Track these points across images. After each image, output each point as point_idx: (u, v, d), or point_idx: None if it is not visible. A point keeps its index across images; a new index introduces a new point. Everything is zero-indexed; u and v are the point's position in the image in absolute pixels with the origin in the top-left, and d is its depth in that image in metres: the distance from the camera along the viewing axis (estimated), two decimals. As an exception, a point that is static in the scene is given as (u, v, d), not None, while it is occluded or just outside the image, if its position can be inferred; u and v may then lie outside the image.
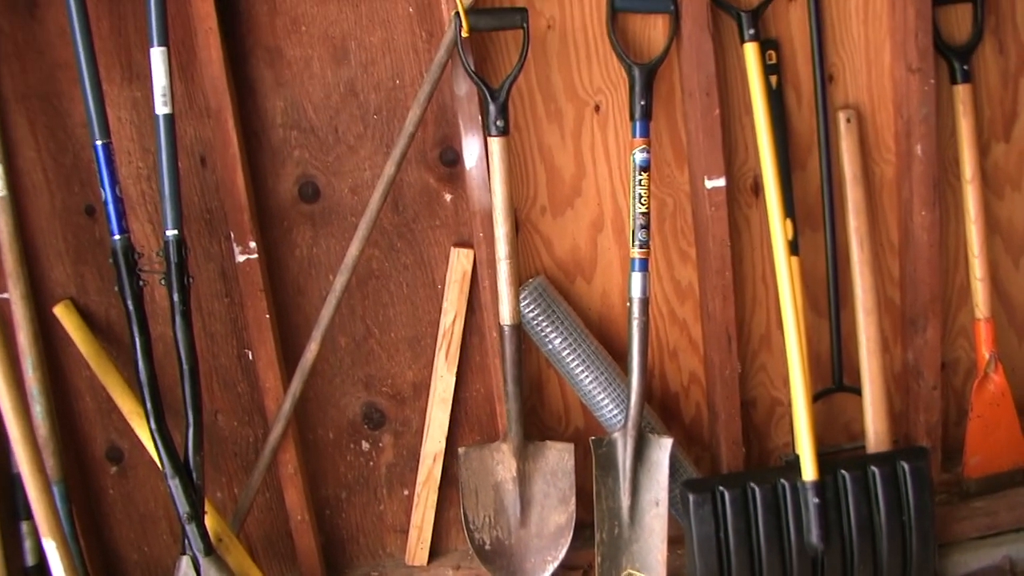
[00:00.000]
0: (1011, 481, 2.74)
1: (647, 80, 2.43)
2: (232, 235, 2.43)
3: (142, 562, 2.74)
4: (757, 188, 2.61)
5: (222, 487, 2.69)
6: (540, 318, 2.54)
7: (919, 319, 2.65)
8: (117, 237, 2.23)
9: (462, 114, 2.43)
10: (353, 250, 2.43)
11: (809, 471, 2.46)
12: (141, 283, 2.26)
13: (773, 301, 2.67)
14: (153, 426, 2.26)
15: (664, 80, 2.52)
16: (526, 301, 2.52)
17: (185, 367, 2.29)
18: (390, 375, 2.67)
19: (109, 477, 2.67)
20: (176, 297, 2.27)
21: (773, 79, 2.54)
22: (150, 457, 2.45)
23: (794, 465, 2.51)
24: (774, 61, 2.54)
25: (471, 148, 2.44)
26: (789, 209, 2.55)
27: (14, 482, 2.41)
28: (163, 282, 2.28)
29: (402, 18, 2.45)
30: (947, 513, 2.68)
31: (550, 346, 2.56)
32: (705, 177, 2.48)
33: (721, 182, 2.48)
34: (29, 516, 2.37)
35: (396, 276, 2.61)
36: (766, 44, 2.51)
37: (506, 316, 2.44)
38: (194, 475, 2.30)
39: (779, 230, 2.44)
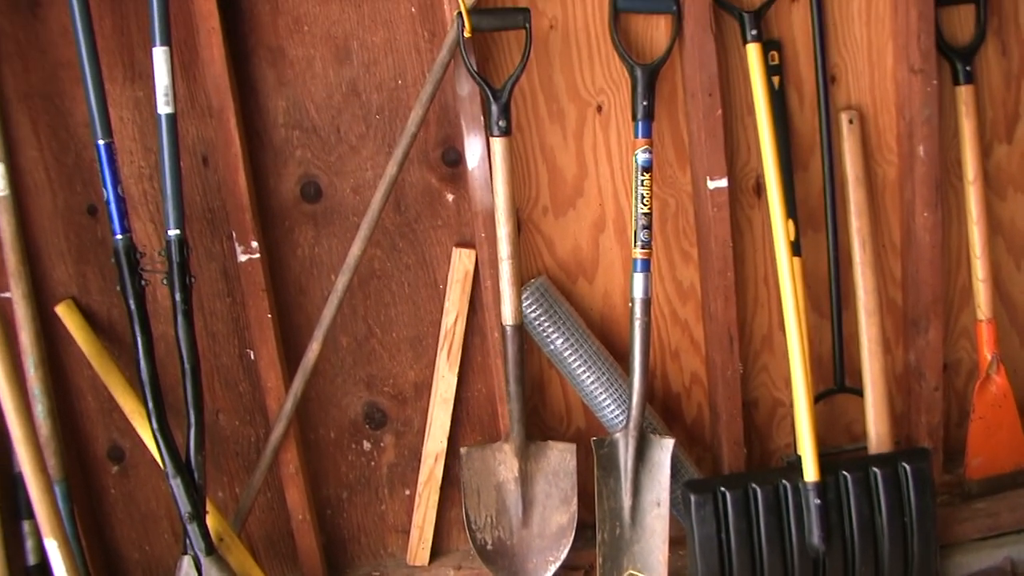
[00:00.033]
0: (1013, 482, 2.74)
1: (649, 80, 2.43)
2: (234, 235, 2.43)
3: (143, 561, 2.74)
4: (759, 189, 2.61)
5: (223, 487, 2.69)
6: (542, 318, 2.54)
7: (921, 320, 2.65)
8: (119, 236, 2.23)
9: (464, 114, 2.43)
10: (355, 250, 2.43)
11: (811, 472, 2.46)
12: (143, 283, 2.26)
13: (775, 302, 2.67)
14: (155, 425, 2.27)
15: (666, 80, 2.52)
16: (528, 301, 2.52)
17: (187, 366, 2.29)
18: (392, 375, 2.67)
19: (111, 476, 2.67)
20: (178, 296, 2.27)
21: (775, 80, 2.54)
22: (152, 456, 2.46)
23: (796, 466, 2.51)
24: (776, 62, 2.54)
25: (473, 148, 2.44)
26: (791, 210, 2.55)
27: (16, 481, 2.42)
28: (165, 282, 2.28)
29: (404, 18, 2.45)
30: (949, 514, 2.68)
31: (552, 346, 2.56)
32: (707, 178, 2.48)
33: (723, 183, 2.48)
34: (31, 515, 2.37)
35: (398, 276, 2.61)
36: (768, 45, 2.51)
37: (508, 316, 2.44)
38: (195, 474, 2.30)
39: (781, 231, 2.44)
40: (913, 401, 2.75)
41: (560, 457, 2.58)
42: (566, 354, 2.56)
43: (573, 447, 2.58)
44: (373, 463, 2.73)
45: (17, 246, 2.36)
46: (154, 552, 2.73)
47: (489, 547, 2.57)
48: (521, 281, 2.48)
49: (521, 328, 2.46)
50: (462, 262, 2.57)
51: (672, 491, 2.55)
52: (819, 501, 2.45)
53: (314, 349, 2.48)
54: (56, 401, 2.47)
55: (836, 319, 2.67)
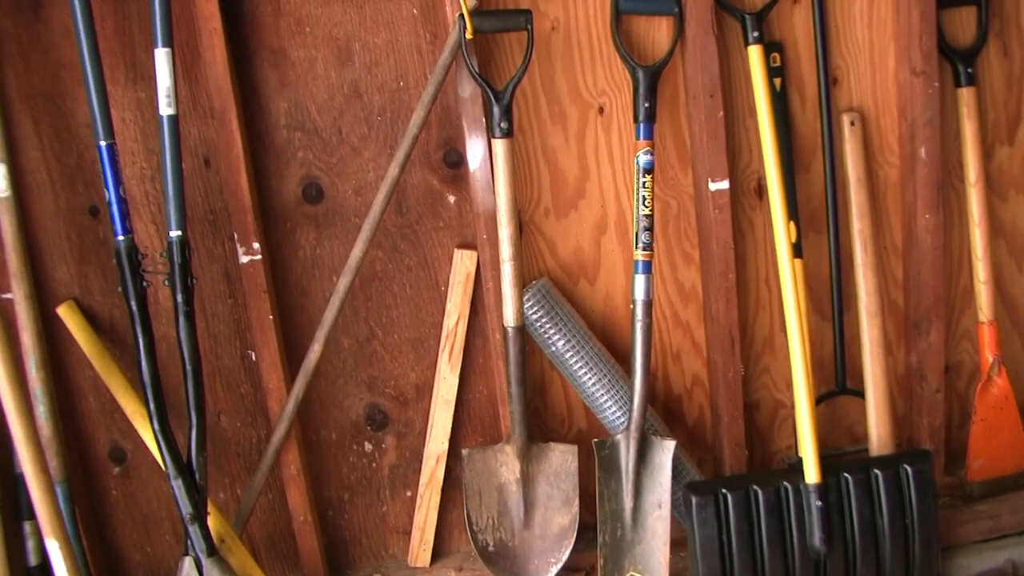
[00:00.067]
0: (1014, 484, 2.74)
1: (651, 82, 2.43)
2: (236, 236, 2.43)
3: (145, 563, 2.74)
4: (761, 190, 2.61)
5: (225, 488, 2.69)
6: (543, 320, 2.54)
7: (922, 322, 2.65)
8: (121, 238, 2.23)
9: (466, 116, 2.43)
10: (357, 251, 2.43)
11: (812, 474, 2.46)
12: (145, 284, 2.26)
13: (776, 303, 2.67)
14: (156, 427, 2.26)
15: (668, 82, 2.52)
16: (529, 303, 2.52)
17: (188, 368, 2.29)
18: (393, 376, 2.67)
19: (112, 478, 2.67)
20: (180, 298, 2.27)
21: (777, 81, 2.54)
22: (153, 458, 2.46)
23: (797, 468, 2.51)
24: (778, 63, 2.54)
25: (475, 150, 2.44)
26: (793, 211, 2.55)
27: (17, 482, 2.42)
28: (167, 283, 2.28)
29: (406, 20, 2.45)
30: (950, 516, 2.68)
31: (553, 348, 2.56)
32: (709, 179, 2.48)
33: (725, 184, 2.48)
34: (32, 516, 2.38)
35: (399, 278, 2.61)
36: (770, 46, 2.51)
37: (510, 318, 2.44)
38: (197, 476, 2.30)
39: (783, 232, 2.44)
40: (915, 403, 2.75)
41: (562, 459, 2.58)
42: (567, 356, 2.56)
43: (575, 449, 2.58)
44: (374, 464, 2.73)
45: (19, 247, 2.36)
46: (155, 553, 2.73)
47: (491, 548, 2.57)
48: (523, 283, 2.48)
49: (523, 330, 2.46)
50: (464, 264, 2.57)
51: (673, 493, 2.55)
52: (820, 503, 2.45)
53: (316, 351, 2.48)
54: (58, 402, 2.47)
55: (838, 321, 2.67)
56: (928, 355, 2.67)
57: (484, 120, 2.41)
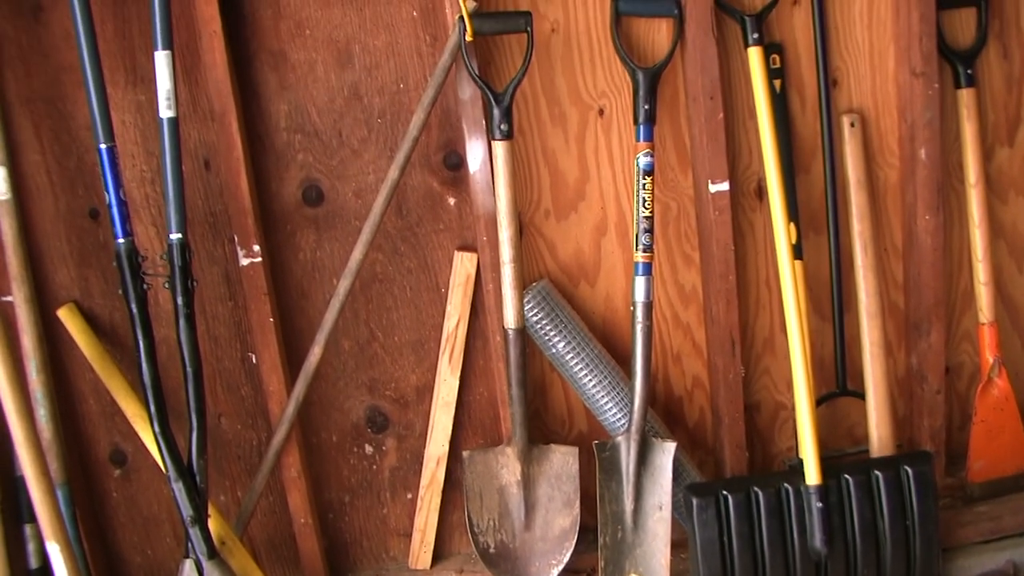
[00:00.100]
0: (1015, 486, 2.74)
1: (651, 84, 2.44)
2: (236, 238, 2.43)
3: (145, 565, 2.74)
4: (761, 192, 2.61)
5: (225, 490, 2.69)
6: (544, 322, 2.54)
7: (923, 323, 2.65)
8: (121, 240, 2.23)
9: (466, 118, 2.43)
10: (357, 254, 2.43)
11: (813, 475, 2.46)
12: (145, 286, 2.26)
13: (777, 305, 2.67)
14: (157, 429, 2.26)
15: (668, 84, 2.52)
16: (530, 305, 2.52)
17: (189, 370, 2.29)
18: (394, 379, 2.67)
19: (113, 480, 2.67)
20: (180, 300, 2.27)
21: (777, 83, 2.54)
22: (154, 460, 2.46)
23: (798, 469, 2.51)
24: (778, 65, 2.54)
25: (475, 152, 2.44)
26: (793, 213, 2.55)
27: (18, 485, 2.42)
28: (167, 285, 2.28)
29: (406, 22, 2.45)
30: (951, 518, 2.67)
31: (554, 350, 2.56)
32: (709, 181, 2.48)
33: (725, 186, 2.48)
34: (33, 519, 2.38)
35: (400, 280, 2.61)
36: (770, 48, 2.51)
37: (510, 320, 2.44)
38: (197, 478, 2.30)
39: (783, 234, 2.44)
40: (915, 404, 2.74)
41: (562, 460, 2.58)
42: (568, 357, 2.56)
43: (575, 450, 2.58)
44: (375, 467, 2.73)
45: (19, 250, 2.36)
46: (156, 556, 2.73)
47: (491, 550, 2.57)
48: (523, 284, 2.48)
49: (523, 332, 2.46)
50: (464, 266, 2.57)
51: (674, 494, 2.54)
52: (821, 504, 2.45)
53: (316, 353, 2.48)
54: (58, 405, 2.47)
55: (838, 322, 2.67)
56: (928, 356, 2.67)
57: (484, 122, 2.41)
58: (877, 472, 2.51)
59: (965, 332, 2.80)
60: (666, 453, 2.52)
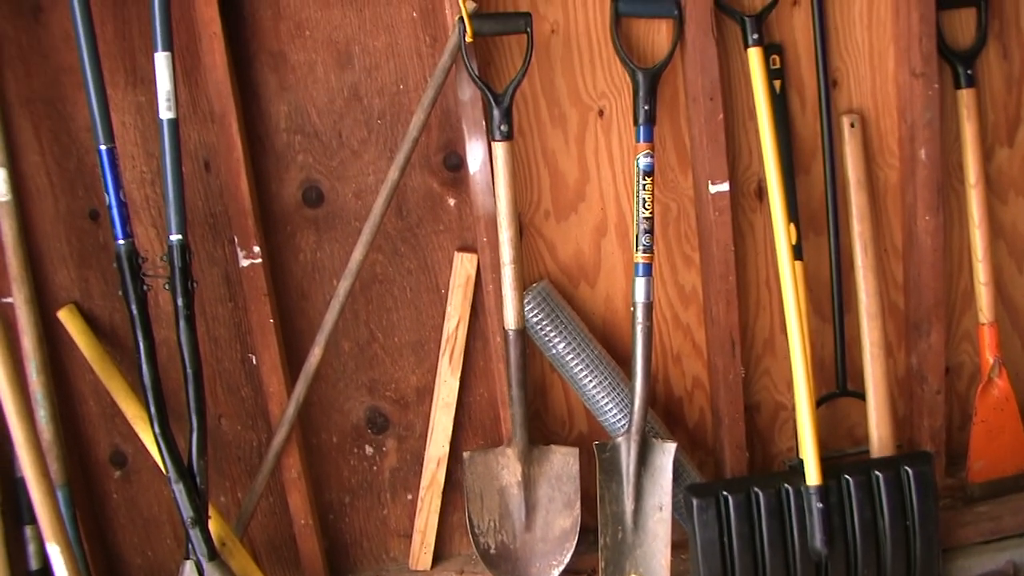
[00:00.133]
0: (1015, 486, 2.74)
1: (651, 85, 2.44)
2: (236, 239, 2.43)
3: (146, 566, 2.73)
4: (761, 193, 2.61)
5: (226, 491, 2.69)
6: (544, 323, 2.54)
7: (923, 324, 2.65)
8: (121, 241, 2.23)
9: (466, 119, 2.43)
10: (357, 255, 2.43)
11: (813, 476, 2.46)
12: (145, 287, 2.26)
13: (777, 305, 2.67)
14: (157, 430, 2.26)
15: (668, 85, 2.52)
16: (530, 306, 2.52)
17: (189, 371, 2.29)
18: (394, 379, 2.67)
19: (113, 481, 2.67)
20: (180, 301, 2.27)
21: (777, 84, 2.54)
22: (154, 461, 2.46)
23: (798, 470, 2.51)
24: (778, 66, 2.54)
25: (475, 153, 2.44)
26: (793, 213, 2.55)
27: (18, 486, 2.42)
28: (167, 287, 2.28)
29: (406, 23, 2.45)
30: (951, 518, 2.67)
31: (554, 351, 2.56)
32: (709, 182, 2.48)
33: (725, 187, 2.48)
34: (33, 520, 2.38)
35: (400, 281, 2.61)
36: (770, 49, 2.51)
37: (510, 321, 2.44)
38: (198, 479, 2.30)
39: (783, 234, 2.44)
40: (915, 405, 2.74)
41: (563, 461, 2.58)
42: (568, 358, 2.56)
43: (576, 451, 2.58)
44: (375, 468, 2.73)
45: (19, 251, 2.36)
46: (156, 557, 2.73)
47: (492, 551, 2.57)
48: (523, 285, 2.48)
49: (523, 332, 2.46)
50: (464, 266, 2.57)
51: (674, 495, 2.54)
52: (821, 505, 2.45)
53: (316, 354, 2.48)
54: (58, 406, 2.47)
55: (838, 323, 2.67)
56: (929, 357, 2.67)
57: (484, 123, 2.41)
58: (877, 472, 2.51)
59: (965, 332, 2.80)
60: (666, 454, 2.52)
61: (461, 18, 2.31)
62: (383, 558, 2.80)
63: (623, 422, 2.57)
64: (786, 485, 2.49)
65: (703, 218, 2.56)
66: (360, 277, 2.48)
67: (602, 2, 2.46)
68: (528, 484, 2.57)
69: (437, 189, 2.56)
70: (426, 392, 2.67)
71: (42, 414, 2.41)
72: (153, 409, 2.26)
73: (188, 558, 2.32)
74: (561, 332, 2.54)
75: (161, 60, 2.21)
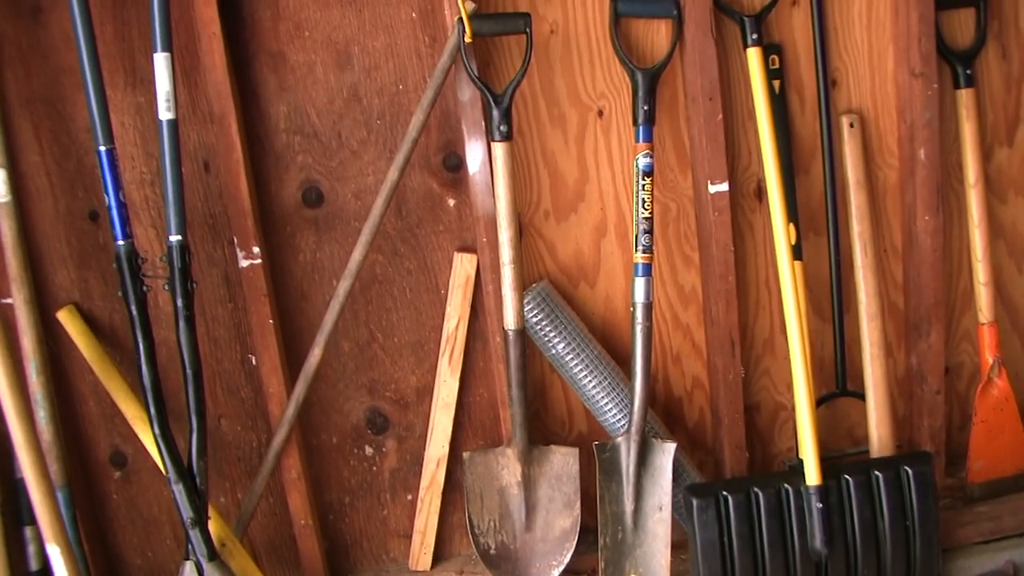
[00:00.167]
0: (1015, 486, 2.74)
1: (650, 85, 2.44)
2: (236, 240, 2.43)
3: (146, 567, 2.73)
4: (760, 193, 2.61)
5: (226, 492, 2.69)
6: (544, 323, 2.54)
7: (923, 324, 2.65)
8: (121, 242, 2.23)
9: (465, 119, 2.43)
10: (356, 255, 2.43)
11: (813, 476, 2.46)
12: (145, 288, 2.26)
13: (776, 306, 2.67)
14: (157, 431, 2.26)
15: (667, 85, 2.52)
16: (530, 306, 2.52)
17: (189, 372, 2.29)
18: (394, 380, 2.67)
19: (113, 482, 2.67)
20: (180, 302, 2.27)
21: (776, 84, 2.54)
22: (154, 462, 2.46)
23: (798, 470, 2.51)
24: (777, 66, 2.54)
25: (474, 153, 2.44)
26: (792, 214, 2.55)
27: (18, 487, 2.42)
28: (167, 287, 2.28)
29: (405, 23, 2.45)
30: (951, 518, 2.67)
31: (554, 351, 2.56)
32: (708, 182, 2.48)
33: (724, 187, 2.48)
34: (33, 521, 2.37)
35: (399, 281, 2.61)
36: (769, 49, 2.51)
37: (510, 321, 2.44)
38: (198, 480, 2.30)
39: (782, 235, 2.44)
40: (915, 405, 2.74)
41: (563, 461, 2.58)
42: (568, 358, 2.56)
43: (575, 451, 2.58)
44: (375, 468, 2.73)
45: (19, 251, 2.36)
46: (156, 558, 2.73)
47: (492, 551, 2.57)
48: (523, 286, 2.48)
49: (523, 333, 2.46)
50: (463, 267, 2.57)
51: (674, 495, 2.54)
52: (821, 505, 2.45)
53: (316, 354, 2.48)
54: (58, 407, 2.47)
55: (838, 323, 2.67)
56: (928, 357, 2.67)
57: (483, 123, 2.41)
58: (877, 472, 2.51)
59: (965, 332, 2.80)
60: (666, 454, 2.52)
61: (460, 19, 2.31)
62: (383, 559, 2.80)
63: (623, 422, 2.57)
64: (786, 485, 2.49)
65: (702, 218, 2.56)
66: (360, 277, 2.48)
67: (601, 2, 2.46)
68: (528, 484, 2.57)
69: (437, 189, 2.56)
70: (426, 392, 2.67)
71: (42, 415, 2.41)
72: (153, 410, 2.26)
73: (188, 559, 2.32)
74: (561, 332, 2.54)
75: (160, 61, 2.21)
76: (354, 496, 2.74)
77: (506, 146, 2.38)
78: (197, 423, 2.30)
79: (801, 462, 2.49)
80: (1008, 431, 2.70)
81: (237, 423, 2.65)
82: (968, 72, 2.57)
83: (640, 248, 2.45)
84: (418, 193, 2.55)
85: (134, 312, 2.24)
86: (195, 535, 2.29)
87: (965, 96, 2.58)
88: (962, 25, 2.61)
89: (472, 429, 2.71)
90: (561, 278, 2.63)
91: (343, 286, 2.44)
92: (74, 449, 2.59)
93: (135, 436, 2.49)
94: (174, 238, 2.26)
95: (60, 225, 2.49)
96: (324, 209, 2.54)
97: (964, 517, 2.69)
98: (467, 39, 2.32)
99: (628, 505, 2.54)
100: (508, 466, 2.56)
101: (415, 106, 2.42)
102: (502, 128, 2.37)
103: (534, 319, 2.53)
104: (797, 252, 2.57)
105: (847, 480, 2.49)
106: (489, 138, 2.40)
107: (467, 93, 2.40)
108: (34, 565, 2.49)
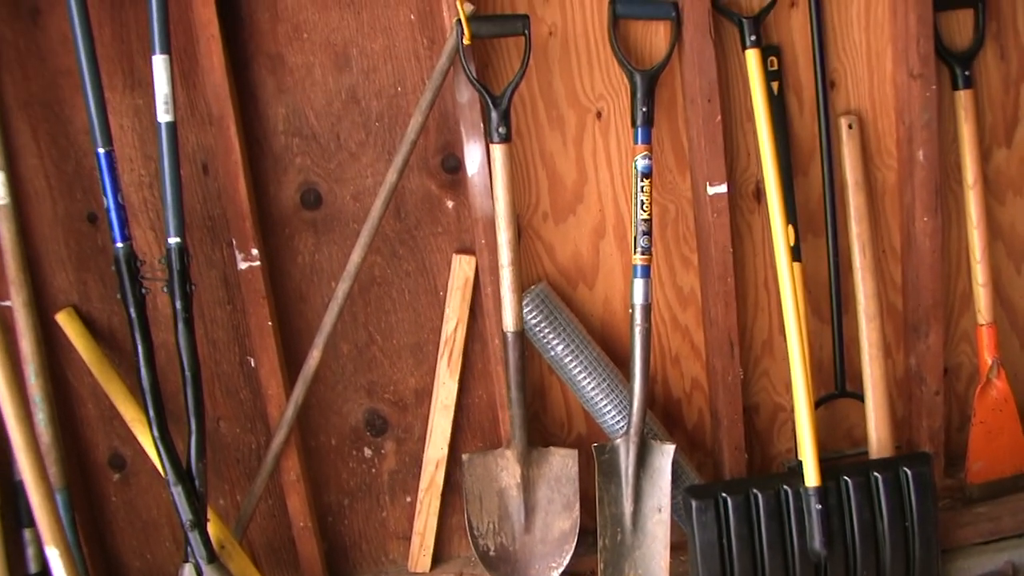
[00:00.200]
0: (1014, 486, 2.74)
1: (649, 86, 2.44)
2: (234, 242, 2.43)
3: (145, 569, 2.73)
4: (759, 194, 2.61)
5: (225, 494, 2.69)
6: (542, 325, 2.54)
7: (921, 325, 2.65)
8: (119, 244, 2.24)
9: (464, 121, 2.43)
10: (355, 257, 2.43)
11: (812, 477, 2.46)
12: (143, 290, 2.27)
13: (775, 307, 2.67)
14: (156, 433, 2.26)
15: (666, 86, 2.52)
16: (528, 308, 2.52)
17: (187, 374, 2.29)
18: (392, 382, 2.67)
19: (112, 484, 2.67)
20: (178, 304, 2.27)
21: (775, 85, 2.54)
22: (153, 464, 2.46)
23: (797, 471, 2.51)
24: (776, 67, 2.54)
25: (473, 155, 2.44)
26: (791, 215, 2.55)
27: (17, 489, 2.41)
28: (165, 289, 2.28)
29: (404, 25, 2.45)
30: (950, 519, 2.67)
31: (552, 353, 2.56)
32: (707, 183, 2.48)
33: (723, 188, 2.48)
34: (32, 524, 2.37)
35: (398, 283, 2.61)
36: (768, 50, 2.51)
37: (509, 323, 2.44)
38: (197, 482, 2.30)
39: (781, 236, 2.44)
40: (914, 406, 2.74)
41: (562, 463, 2.58)
42: (567, 360, 2.56)
43: (575, 453, 2.57)
44: (374, 470, 2.73)
45: (17, 254, 2.36)
46: (155, 560, 2.73)
47: (491, 553, 2.57)
48: (522, 287, 2.48)
49: (522, 334, 2.46)
50: (462, 269, 2.57)
51: (673, 497, 2.54)
52: (820, 506, 2.45)
53: (315, 356, 2.48)
54: (57, 409, 2.47)
55: (836, 324, 2.67)
56: (927, 358, 2.67)
57: (482, 125, 2.41)
58: (876, 474, 2.51)
59: (964, 333, 2.80)
60: (665, 455, 2.52)
61: (459, 20, 2.31)
62: (382, 560, 2.80)
63: (622, 424, 2.57)
64: (785, 486, 2.49)
65: (701, 220, 2.56)
66: (358, 279, 2.48)
67: (600, 4, 2.46)
68: (527, 486, 2.57)
69: (435, 191, 2.56)
70: (425, 394, 2.67)
71: (41, 417, 2.41)
72: (152, 412, 2.26)
73: (187, 561, 2.32)
74: (560, 334, 2.54)
75: (159, 63, 2.21)
76: (353, 498, 2.74)
77: (505, 148, 2.38)
78: (196, 425, 2.30)
79: (800, 463, 2.49)
80: (1007, 432, 2.70)
81: (236, 425, 2.65)
82: (967, 73, 2.57)
83: (639, 250, 2.45)
84: (417, 195, 2.55)
85: (133, 314, 2.24)
86: (194, 537, 2.29)
87: (964, 97, 2.58)
88: (960, 26, 2.61)
89: (471, 431, 2.71)
90: (560, 280, 2.63)
91: (342, 288, 2.44)
92: (73, 451, 2.59)
93: (134, 438, 2.49)
94: (173, 240, 2.26)
95: (59, 227, 2.49)
96: (323, 211, 2.54)
97: (963, 518, 2.69)
98: (465, 41, 2.32)
99: (627, 507, 2.54)
100: (507, 468, 2.56)
101: (414, 108, 2.42)
102: (500, 130, 2.37)
103: (533, 321, 2.53)
104: (796, 253, 2.57)
105: (846, 481, 2.49)
106: (488, 140, 2.40)
107: (466, 95, 2.41)
108: (33, 567, 2.49)
